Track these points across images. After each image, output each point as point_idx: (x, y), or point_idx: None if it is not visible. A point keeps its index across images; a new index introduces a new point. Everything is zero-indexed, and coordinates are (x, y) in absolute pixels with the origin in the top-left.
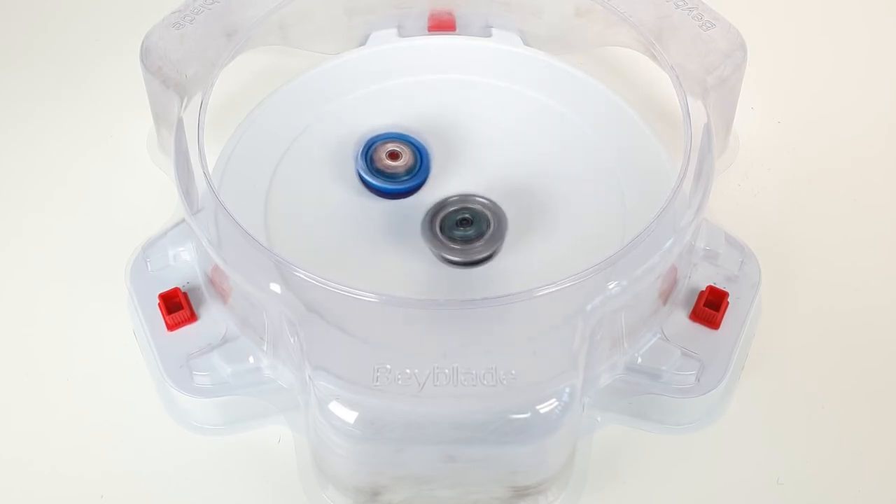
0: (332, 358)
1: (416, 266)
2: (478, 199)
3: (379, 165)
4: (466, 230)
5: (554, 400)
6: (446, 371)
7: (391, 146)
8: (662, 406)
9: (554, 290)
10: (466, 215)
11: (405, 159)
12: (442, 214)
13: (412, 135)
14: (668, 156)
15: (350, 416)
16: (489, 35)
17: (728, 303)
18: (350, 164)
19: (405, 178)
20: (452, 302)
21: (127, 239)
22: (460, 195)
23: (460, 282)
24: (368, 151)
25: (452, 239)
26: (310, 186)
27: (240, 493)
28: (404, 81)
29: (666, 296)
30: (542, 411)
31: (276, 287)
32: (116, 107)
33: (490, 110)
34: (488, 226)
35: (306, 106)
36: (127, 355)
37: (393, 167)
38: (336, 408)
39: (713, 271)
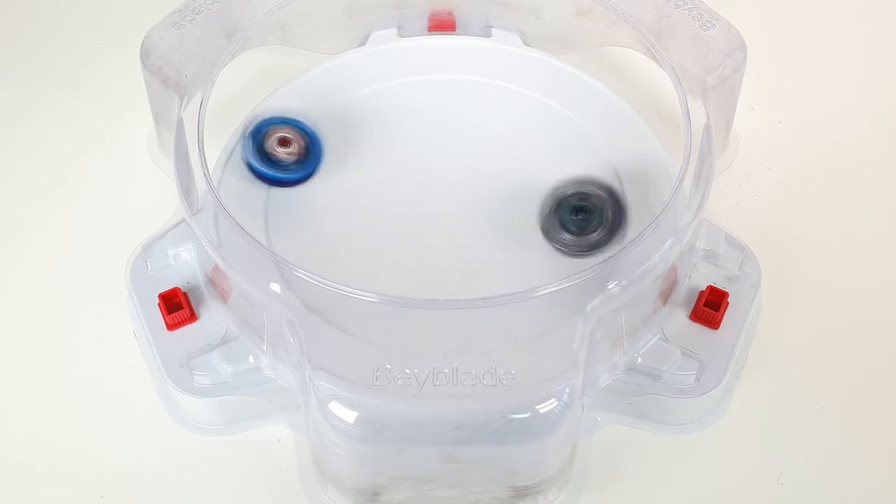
0: (332, 358)
1: (417, 265)
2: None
3: (269, 152)
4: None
5: (554, 400)
6: (446, 371)
7: (282, 132)
8: (662, 406)
9: (554, 289)
10: (584, 203)
11: (295, 147)
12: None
13: (304, 122)
14: (668, 156)
15: (350, 416)
16: (489, 35)
17: (728, 303)
18: (349, 165)
19: (294, 167)
20: (452, 302)
21: (127, 239)
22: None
23: (460, 282)
24: (258, 136)
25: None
26: (310, 186)
27: (240, 493)
28: (404, 81)
29: (666, 296)
30: (541, 411)
31: (275, 287)
32: (116, 107)
33: (490, 110)
34: (602, 215)
35: (306, 106)
36: (127, 355)
37: (284, 154)
38: (336, 408)
39: (713, 271)
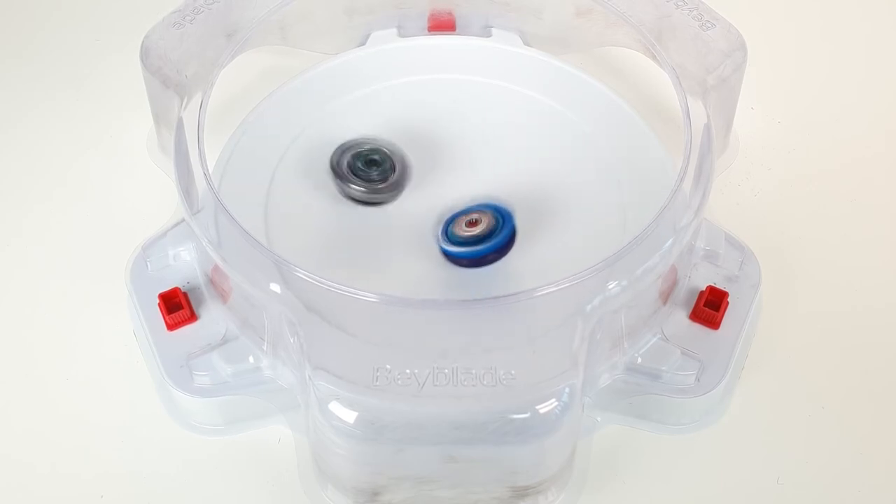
0: (332, 358)
1: (416, 266)
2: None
3: (459, 234)
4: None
5: (554, 400)
6: (446, 371)
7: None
8: (662, 406)
9: (554, 290)
10: (375, 157)
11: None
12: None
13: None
14: (668, 156)
15: (350, 416)
16: (489, 35)
17: (728, 303)
18: None
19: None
20: (452, 302)
21: (127, 239)
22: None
23: (460, 281)
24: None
25: (358, 177)
26: (310, 186)
27: (240, 494)
28: (404, 81)
29: (666, 296)
30: (541, 411)
31: (275, 287)
32: (116, 106)
33: (490, 110)
34: (393, 170)
35: (306, 106)
36: (127, 355)
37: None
38: (336, 408)
39: (713, 271)
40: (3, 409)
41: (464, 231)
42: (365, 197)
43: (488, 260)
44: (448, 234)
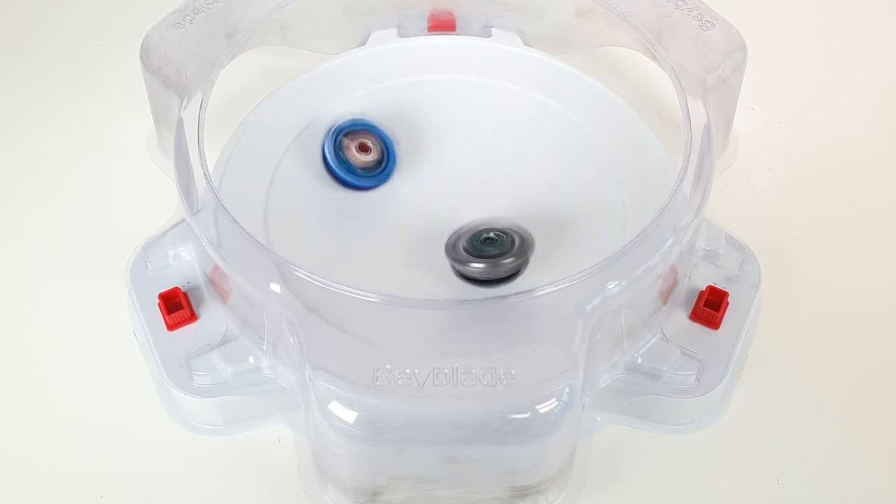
0: (332, 358)
1: (417, 263)
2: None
3: (348, 157)
4: (489, 248)
5: (554, 400)
6: (446, 371)
7: (361, 138)
8: (662, 406)
9: (553, 290)
10: (491, 235)
11: (374, 154)
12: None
13: (379, 126)
14: (668, 156)
15: (350, 416)
16: (489, 35)
17: (728, 303)
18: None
19: (373, 173)
20: (452, 302)
21: (127, 239)
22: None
23: (460, 281)
24: (337, 139)
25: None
26: (310, 186)
27: (240, 494)
28: (404, 81)
29: (666, 296)
30: (541, 411)
31: (275, 287)
32: (116, 106)
33: (490, 110)
34: (512, 244)
35: (306, 106)
36: (127, 355)
37: (363, 161)
38: (336, 408)
39: (713, 271)
40: (3, 409)
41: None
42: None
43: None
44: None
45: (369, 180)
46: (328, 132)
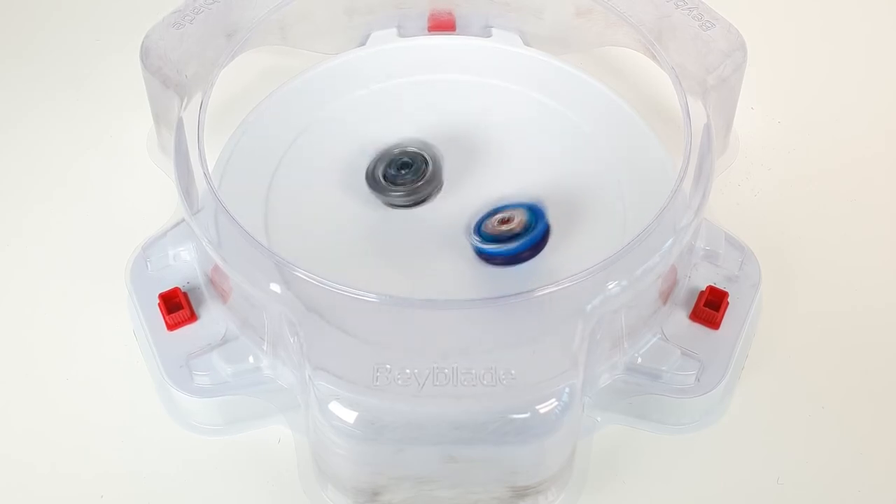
0: (332, 358)
1: (417, 265)
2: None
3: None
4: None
5: (554, 400)
6: (446, 371)
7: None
8: (662, 406)
9: (554, 289)
10: (406, 159)
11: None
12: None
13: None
14: (668, 156)
15: (350, 416)
16: (489, 35)
17: (728, 303)
18: (350, 165)
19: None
20: (452, 302)
21: (127, 239)
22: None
23: (460, 281)
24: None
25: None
26: (310, 186)
27: (240, 494)
28: (404, 81)
29: (666, 296)
30: (541, 411)
31: (276, 287)
32: (116, 107)
33: (490, 110)
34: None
35: (306, 106)
36: (127, 355)
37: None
38: (336, 408)
39: (713, 271)
40: (3, 409)
41: (497, 228)
42: (407, 200)
43: (523, 257)
44: (481, 233)
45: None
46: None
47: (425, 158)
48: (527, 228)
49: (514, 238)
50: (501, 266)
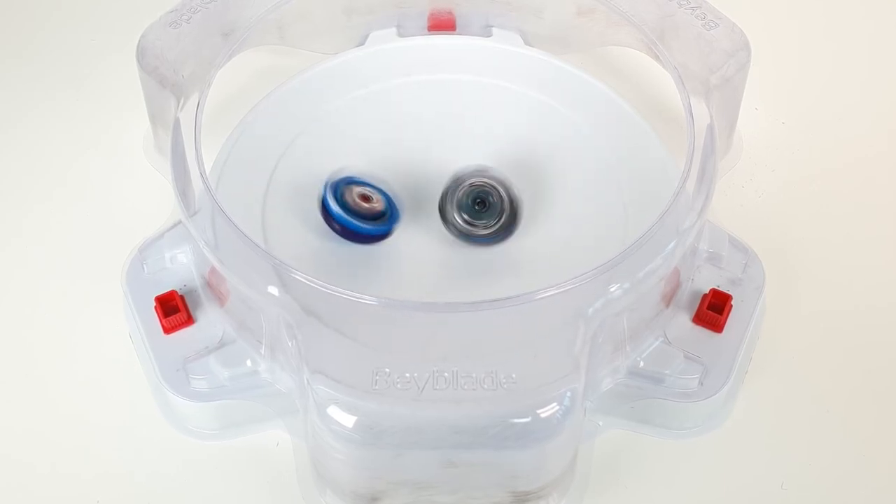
0: (331, 361)
1: (413, 269)
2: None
3: (354, 207)
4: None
5: (555, 404)
6: (446, 375)
7: (359, 189)
8: (665, 410)
9: (555, 292)
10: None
11: (378, 204)
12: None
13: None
14: (670, 157)
15: (349, 420)
16: (490, 35)
17: (731, 306)
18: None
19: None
20: (452, 305)
21: (123, 240)
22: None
23: (460, 283)
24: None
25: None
26: (308, 188)
27: (237, 499)
28: (404, 82)
29: (669, 299)
30: (542, 416)
31: (273, 290)
32: (112, 107)
33: (490, 110)
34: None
35: (304, 107)
36: (126, 356)
37: (367, 208)
38: (334, 412)
39: (716, 274)
40: (3, 409)
41: (355, 202)
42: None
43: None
44: (338, 196)
45: (374, 227)
46: (325, 185)
47: (500, 194)
48: (380, 215)
49: (367, 219)
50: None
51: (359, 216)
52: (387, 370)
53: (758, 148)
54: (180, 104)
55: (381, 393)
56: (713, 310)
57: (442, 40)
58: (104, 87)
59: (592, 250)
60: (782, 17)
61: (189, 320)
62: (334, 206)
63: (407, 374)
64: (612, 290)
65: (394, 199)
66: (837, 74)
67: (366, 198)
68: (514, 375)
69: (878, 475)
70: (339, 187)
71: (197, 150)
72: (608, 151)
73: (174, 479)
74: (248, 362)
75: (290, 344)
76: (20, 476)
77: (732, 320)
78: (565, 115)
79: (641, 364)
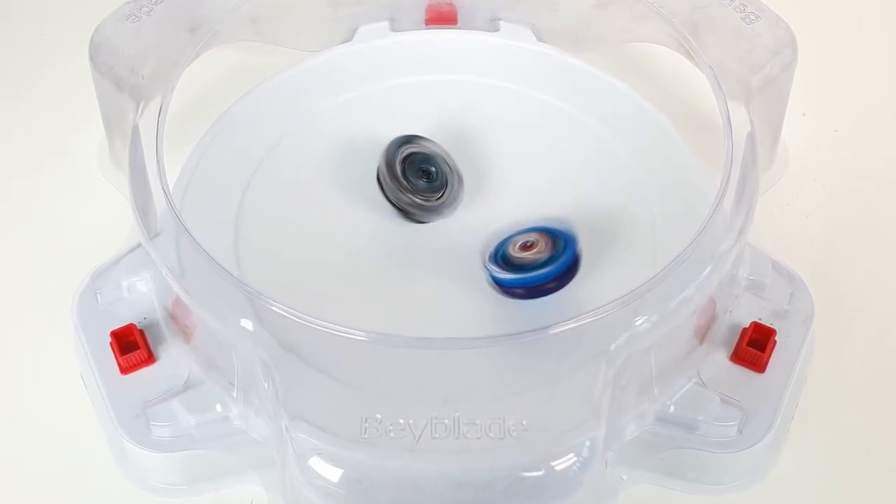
0: (313, 406)
1: (412, 296)
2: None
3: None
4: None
5: (572, 455)
6: (446, 421)
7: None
8: (699, 462)
9: (572, 326)
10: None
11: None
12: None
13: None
14: (704, 170)
15: (333, 473)
16: (496, 29)
17: (775, 342)
18: (335, 180)
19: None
20: (453, 341)
21: (74, 267)
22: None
23: (462, 315)
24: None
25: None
26: (287, 206)
27: None
28: (397, 83)
29: (703, 333)
30: (558, 468)
31: (247, 323)
32: (62, 113)
33: (496, 116)
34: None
35: (283, 112)
36: (74, 402)
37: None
38: (317, 464)
39: (758, 305)
40: None
41: (519, 255)
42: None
43: (548, 289)
44: (498, 258)
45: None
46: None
47: (450, 170)
48: (553, 256)
49: (539, 266)
50: (521, 299)
51: (525, 268)
52: (378, 416)
53: (805, 160)
54: (140, 109)
55: (370, 442)
56: (754, 346)
57: (441, 35)
58: (52, 89)
59: (616, 277)
60: (834, 9)
61: (150, 359)
62: (505, 276)
63: (401, 421)
64: (637, 323)
65: (565, 233)
66: None
67: (528, 246)
68: (524, 422)
69: None
70: (499, 251)
71: (159, 161)
72: (633, 164)
73: None
74: (218, 407)
75: (266, 386)
76: None
77: (776, 358)
78: (583, 122)
79: (672, 409)
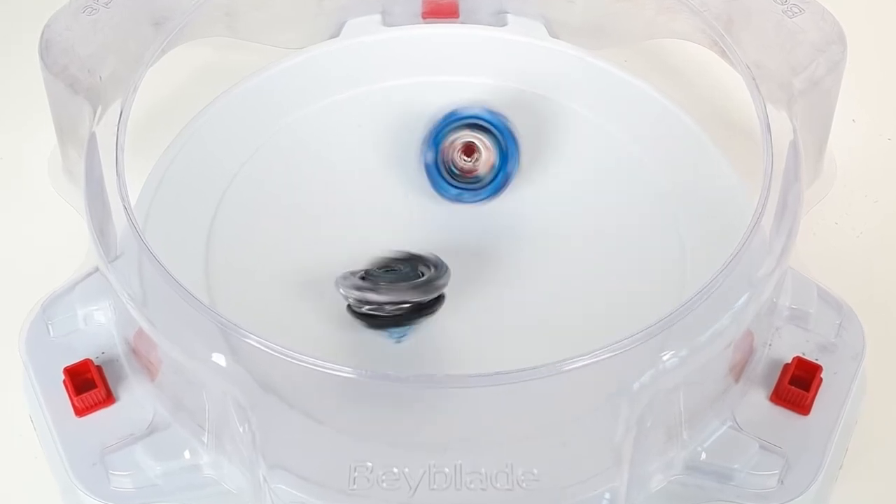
0: (295, 453)
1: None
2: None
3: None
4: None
5: None
6: (446, 470)
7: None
8: None
9: (589, 362)
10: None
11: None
12: None
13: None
14: (741, 184)
15: None
16: (503, 24)
17: (821, 379)
18: (319, 196)
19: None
20: (454, 378)
21: (22, 295)
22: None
23: (465, 348)
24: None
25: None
26: (264, 225)
27: None
28: (390, 85)
29: (739, 370)
30: None
31: (219, 358)
32: (9, 119)
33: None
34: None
35: (261, 117)
36: (22, 448)
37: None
38: None
39: (802, 338)
40: None
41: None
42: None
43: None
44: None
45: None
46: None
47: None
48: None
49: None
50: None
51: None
52: (368, 464)
53: (855, 172)
54: (97, 114)
55: (361, 494)
56: (797, 385)
57: (440, 31)
58: None
59: (640, 306)
60: (887, 1)
61: (108, 399)
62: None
63: (395, 470)
64: (664, 358)
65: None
66: None
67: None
68: (535, 471)
69: None
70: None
71: (119, 174)
72: (661, 176)
73: None
74: (187, 454)
75: (241, 429)
76: None
77: (822, 399)
78: (604, 128)
79: (703, 456)
